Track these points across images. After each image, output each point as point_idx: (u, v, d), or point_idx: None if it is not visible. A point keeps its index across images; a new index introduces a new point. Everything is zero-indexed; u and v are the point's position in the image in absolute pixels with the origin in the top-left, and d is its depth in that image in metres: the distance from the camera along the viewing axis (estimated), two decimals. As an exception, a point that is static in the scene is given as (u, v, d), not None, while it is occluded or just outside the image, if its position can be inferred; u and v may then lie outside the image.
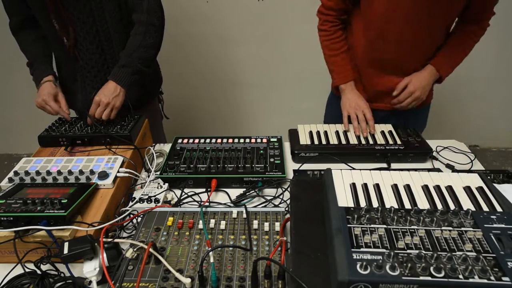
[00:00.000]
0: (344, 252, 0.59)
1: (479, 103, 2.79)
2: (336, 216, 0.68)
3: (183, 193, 1.04)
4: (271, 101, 2.75)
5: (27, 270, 0.76)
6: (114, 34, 1.28)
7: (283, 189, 1.03)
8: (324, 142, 1.22)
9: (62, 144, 1.17)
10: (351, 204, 0.72)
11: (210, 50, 2.52)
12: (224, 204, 0.99)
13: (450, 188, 0.79)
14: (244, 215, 0.88)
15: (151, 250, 0.73)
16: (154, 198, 0.98)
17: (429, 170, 1.11)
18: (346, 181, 0.80)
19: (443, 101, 2.54)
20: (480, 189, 0.78)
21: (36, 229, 0.78)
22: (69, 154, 1.14)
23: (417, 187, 0.79)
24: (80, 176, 0.98)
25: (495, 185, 0.80)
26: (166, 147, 1.30)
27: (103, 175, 0.98)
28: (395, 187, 0.79)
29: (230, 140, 1.22)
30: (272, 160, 1.10)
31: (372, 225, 0.65)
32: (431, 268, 0.57)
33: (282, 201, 1.00)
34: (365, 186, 0.79)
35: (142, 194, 1.00)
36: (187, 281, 0.69)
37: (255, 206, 0.98)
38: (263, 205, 0.99)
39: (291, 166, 1.16)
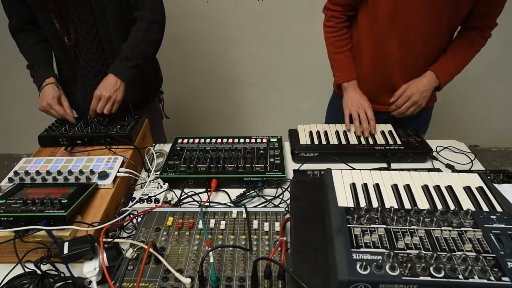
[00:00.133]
0: (344, 252, 0.59)
1: (479, 103, 2.79)
2: (336, 216, 0.68)
3: (183, 193, 1.04)
4: (271, 101, 2.75)
5: (27, 270, 0.76)
6: (115, 33, 1.28)
7: (283, 189, 1.03)
8: (324, 142, 1.22)
9: (62, 144, 1.17)
10: (351, 204, 0.72)
11: (210, 50, 2.52)
12: (224, 204, 0.99)
13: (450, 188, 0.79)
14: (244, 215, 0.88)
15: (151, 250, 0.73)
16: (154, 198, 0.98)
17: (429, 170, 1.11)
18: (346, 181, 0.80)
19: (443, 101, 2.53)
20: (480, 189, 0.78)
21: (36, 229, 0.78)
22: (69, 154, 1.14)
23: (417, 187, 0.79)
24: (80, 176, 0.98)
25: (495, 185, 0.80)
26: (166, 147, 1.30)
27: (103, 175, 0.98)
28: (395, 187, 0.79)
29: (230, 140, 1.22)
30: (272, 160, 1.10)
31: (372, 225, 0.65)
32: (431, 268, 0.57)
33: (282, 201, 1.00)
34: (365, 186, 0.79)
35: (142, 194, 1.00)
36: (187, 281, 0.69)
37: (255, 206, 0.98)
38: (263, 205, 0.99)
39: (291, 166, 1.16)
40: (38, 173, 1.00)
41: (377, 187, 0.79)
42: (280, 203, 1.00)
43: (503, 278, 0.55)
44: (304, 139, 1.22)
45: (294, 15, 2.36)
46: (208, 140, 1.23)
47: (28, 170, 1.01)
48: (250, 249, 0.77)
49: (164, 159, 1.15)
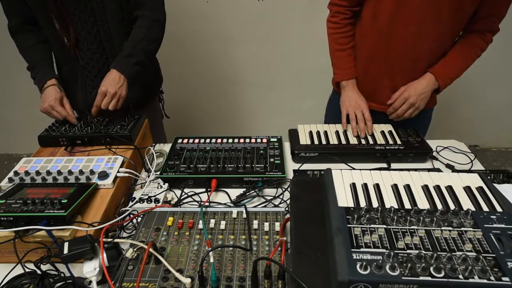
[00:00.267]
0: (344, 252, 0.59)
1: (479, 103, 2.79)
2: (336, 216, 0.68)
3: (183, 193, 1.04)
4: (271, 101, 2.75)
5: (27, 270, 0.76)
6: (115, 33, 1.28)
7: (283, 189, 1.03)
8: (324, 142, 1.22)
9: (62, 144, 1.17)
10: (351, 204, 0.72)
11: (210, 50, 2.53)
12: (224, 204, 0.99)
13: (450, 188, 0.79)
14: (244, 215, 0.88)
15: (151, 250, 0.73)
16: (154, 198, 0.98)
17: (429, 170, 1.11)
18: (346, 181, 0.80)
19: (443, 101, 2.53)
20: (480, 189, 0.78)
21: (36, 229, 0.78)
22: (69, 154, 1.14)
23: (417, 187, 0.79)
24: (80, 176, 0.98)
25: (495, 185, 0.80)
26: (166, 147, 1.30)
27: (103, 175, 0.98)
28: (395, 187, 0.79)
29: (230, 140, 1.22)
30: (272, 160, 1.10)
31: (372, 225, 0.65)
32: (431, 268, 0.57)
33: (282, 201, 1.00)
34: (365, 186, 0.79)
35: (142, 194, 1.00)
36: (187, 281, 0.69)
37: (255, 206, 0.98)
38: (263, 205, 0.99)
39: (291, 166, 1.16)
40: (38, 173, 1.00)
41: (377, 187, 0.79)
42: (280, 203, 1.00)
43: (503, 278, 0.55)
44: (304, 139, 1.22)
45: (294, 15, 2.36)
46: (208, 140, 1.23)
47: (28, 170, 1.01)
48: (250, 249, 0.77)
49: (164, 159, 1.15)
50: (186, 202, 1.02)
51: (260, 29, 2.43)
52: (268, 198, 1.00)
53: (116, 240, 0.78)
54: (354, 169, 0.89)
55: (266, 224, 0.85)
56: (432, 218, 0.68)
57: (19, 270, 0.76)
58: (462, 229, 0.65)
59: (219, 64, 2.59)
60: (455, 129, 2.86)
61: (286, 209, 0.94)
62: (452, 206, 0.73)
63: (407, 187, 0.79)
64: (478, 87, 2.67)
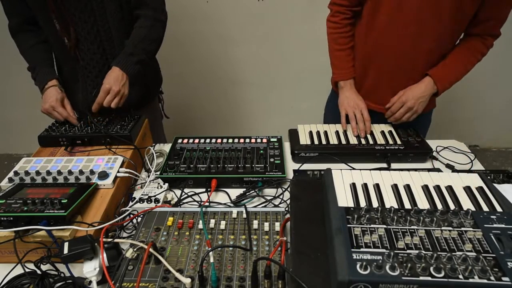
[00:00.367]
0: (344, 252, 0.59)
1: (479, 103, 2.79)
2: (336, 216, 0.68)
3: (183, 193, 1.04)
4: (271, 101, 2.75)
5: (27, 270, 0.76)
6: (116, 33, 1.28)
7: (283, 189, 1.03)
8: (324, 142, 1.22)
9: (62, 144, 1.17)
10: (351, 204, 0.73)
11: (210, 50, 2.52)
12: (224, 204, 0.99)
13: (450, 188, 0.79)
14: (244, 215, 0.88)
15: (151, 250, 0.73)
16: (154, 198, 0.98)
17: (429, 170, 1.11)
18: (346, 181, 0.80)
19: (444, 101, 2.53)
20: (480, 189, 0.78)
21: (36, 229, 0.78)
22: (69, 154, 1.14)
23: (417, 187, 0.79)
24: (80, 176, 0.98)
25: (495, 185, 0.80)
26: (166, 147, 1.30)
27: (103, 175, 0.98)
28: (395, 187, 0.79)
29: (230, 140, 1.22)
30: (272, 160, 1.10)
31: (372, 225, 0.65)
32: (431, 268, 0.57)
33: (282, 201, 1.00)
34: (365, 186, 0.79)
35: (142, 194, 1.00)
36: (187, 281, 0.69)
37: (255, 206, 0.98)
38: (263, 205, 0.99)
39: (291, 166, 1.16)
40: (38, 173, 1.00)
41: (377, 187, 0.79)
42: (280, 203, 1.00)
43: (503, 278, 0.55)
44: (304, 139, 1.22)
45: (294, 15, 2.36)
46: (208, 140, 1.23)
47: (28, 170, 1.01)
48: (250, 249, 0.77)
49: (164, 159, 1.15)
50: (186, 202, 1.02)
51: (260, 29, 2.43)
52: (268, 198, 1.00)
53: (116, 240, 0.78)
54: (354, 169, 0.89)
55: (266, 224, 0.85)
56: (432, 218, 0.68)
57: (19, 270, 0.76)
58: (462, 229, 0.65)
59: (219, 64, 2.59)
60: (455, 129, 2.86)
61: (286, 209, 0.94)
62: (452, 206, 0.73)
63: (407, 187, 0.79)
64: (478, 87, 2.66)
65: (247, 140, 1.22)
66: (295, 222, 0.76)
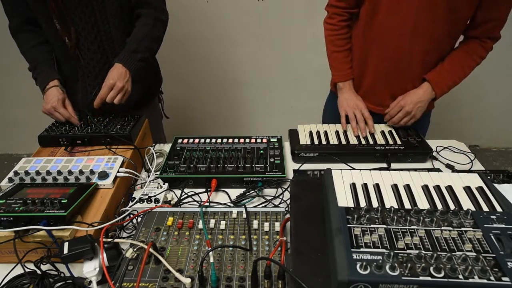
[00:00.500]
0: (344, 252, 0.59)
1: (479, 103, 2.79)
2: (336, 216, 0.68)
3: (183, 193, 1.04)
4: (271, 101, 2.75)
5: (27, 270, 0.76)
6: (116, 33, 1.28)
7: (283, 189, 1.03)
8: (324, 142, 1.22)
9: (62, 144, 1.17)
10: (351, 204, 0.73)
11: (210, 50, 2.53)
12: (224, 204, 0.99)
13: (450, 188, 0.79)
14: (244, 215, 0.88)
15: (151, 250, 0.73)
16: (154, 198, 0.98)
17: (429, 170, 1.11)
18: (346, 181, 0.80)
19: (444, 102, 2.53)
20: (480, 189, 0.78)
21: (36, 229, 0.78)
22: (69, 154, 1.14)
23: (417, 187, 0.79)
24: (80, 176, 0.98)
25: (495, 185, 0.80)
26: (166, 147, 1.30)
27: (103, 175, 0.98)
28: (395, 187, 0.79)
29: (230, 140, 1.22)
30: (272, 160, 1.10)
31: (372, 225, 0.65)
32: (431, 268, 0.57)
33: (282, 201, 1.00)
34: (365, 186, 0.79)
35: (142, 194, 1.00)
36: (187, 281, 0.69)
37: (255, 206, 0.98)
38: (263, 205, 0.99)
39: (291, 166, 1.16)
40: (38, 173, 1.00)
41: (377, 187, 0.79)
42: (280, 203, 1.00)
43: (503, 278, 0.55)
44: (304, 139, 1.22)
45: (294, 15, 2.36)
46: (208, 140, 1.23)
47: (28, 170, 1.01)
48: (250, 249, 0.77)
49: (164, 159, 1.15)
50: (186, 202, 1.02)
51: (260, 29, 2.43)
52: (268, 198, 1.00)
53: (116, 240, 0.78)
54: (354, 169, 0.89)
55: (266, 224, 0.85)
56: (432, 218, 0.68)
57: (19, 270, 0.77)
58: (462, 229, 0.65)
59: (219, 64, 2.59)
60: (455, 129, 2.86)
61: (286, 209, 0.94)
62: (452, 206, 0.73)
63: (407, 187, 0.79)
64: (478, 87, 2.66)
65: (247, 140, 1.22)
66: (295, 222, 0.76)
